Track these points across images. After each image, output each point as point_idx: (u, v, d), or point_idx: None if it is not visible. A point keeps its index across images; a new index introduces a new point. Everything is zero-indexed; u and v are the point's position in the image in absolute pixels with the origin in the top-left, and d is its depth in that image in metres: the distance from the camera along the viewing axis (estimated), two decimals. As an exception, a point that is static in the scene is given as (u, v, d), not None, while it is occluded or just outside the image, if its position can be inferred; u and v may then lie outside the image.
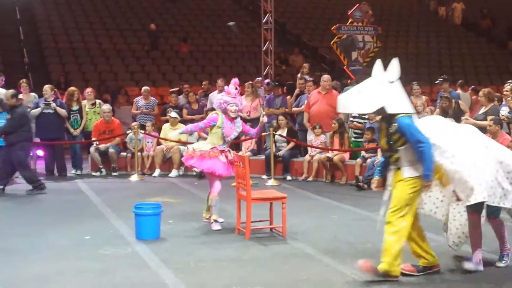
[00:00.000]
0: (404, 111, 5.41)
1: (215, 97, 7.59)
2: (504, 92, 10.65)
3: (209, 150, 7.41)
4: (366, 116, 11.53)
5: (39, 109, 11.63)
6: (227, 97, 7.55)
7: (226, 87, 7.76)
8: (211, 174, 7.42)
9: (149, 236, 6.81)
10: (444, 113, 10.79)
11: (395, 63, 5.53)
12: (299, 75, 14.42)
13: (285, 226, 7.00)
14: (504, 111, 10.26)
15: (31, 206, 8.99)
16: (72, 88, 12.71)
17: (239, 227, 7.15)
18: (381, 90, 5.43)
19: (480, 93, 10.43)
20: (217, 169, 7.36)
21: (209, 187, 7.55)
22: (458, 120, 10.54)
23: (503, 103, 10.60)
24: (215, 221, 7.45)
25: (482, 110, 10.27)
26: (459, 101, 11.24)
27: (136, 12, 22.97)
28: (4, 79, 12.38)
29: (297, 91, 12.99)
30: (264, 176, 11.55)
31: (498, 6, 26.20)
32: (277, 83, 13.39)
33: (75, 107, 12.28)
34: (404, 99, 5.50)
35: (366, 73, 16.91)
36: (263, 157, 12.04)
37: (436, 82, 11.89)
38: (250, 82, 13.52)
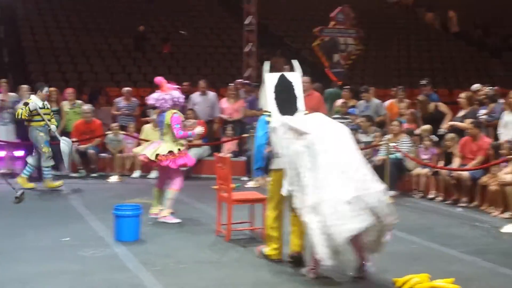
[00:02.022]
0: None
1: (172, 96, 7.67)
2: (483, 96, 10.79)
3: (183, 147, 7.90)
4: (348, 116, 11.60)
5: (19, 105, 11.47)
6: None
7: (168, 84, 8.00)
8: (179, 168, 7.83)
9: (129, 238, 6.78)
10: (424, 115, 10.89)
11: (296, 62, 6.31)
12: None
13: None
14: (482, 114, 10.36)
15: (9, 207, 8.89)
16: (51, 88, 12.60)
17: (219, 229, 7.15)
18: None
19: (461, 95, 10.53)
20: (188, 162, 8.02)
21: (170, 182, 7.87)
22: (438, 122, 10.62)
23: (483, 106, 10.72)
24: (172, 213, 7.74)
25: (461, 113, 10.37)
26: (440, 103, 11.33)
27: (117, 12, 22.86)
28: None
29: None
30: (245, 178, 11.56)
31: (492, 15, 26.31)
32: (257, 84, 13.38)
33: (54, 107, 12.17)
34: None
35: (347, 75, 17.07)
36: (244, 158, 12.05)
37: (422, 83, 11.95)
38: (234, 84, 13.53)
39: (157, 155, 7.74)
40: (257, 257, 6.20)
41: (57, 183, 10.44)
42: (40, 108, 10.27)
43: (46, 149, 10.27)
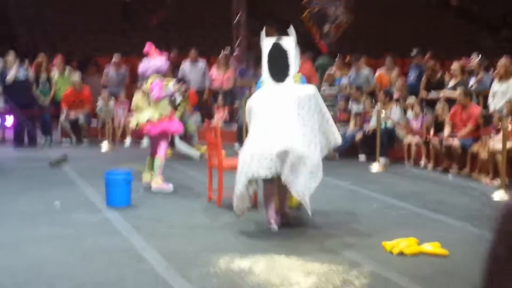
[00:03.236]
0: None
1: (155, 63, 7.71)
2: (472, 65, 10.80)
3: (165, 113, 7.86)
4: (335, 85, 11.64)
5: (13, 72, 11.40)
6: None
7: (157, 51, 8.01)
8: (165, 134, 7.78)
9: (120, 203, 6.80)
10: (429, 81, 10.84)
11: (292, 29, 6.35)
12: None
13: (256, 194, 7.03)
14: (472, 82, 10.37)
15: (1, 173, 8.89)
16: (41, 57, 12.51)
17: (210, 195, 7.17)
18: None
19: (454, 66, 10.52)
20: (172, 128, 7.96)
21: (157, 149, 7.81)
22: (439, 89, 10.61)
23: (473, 75, 10.74)
24: (164, 180, 7.77)
25: (452, 82, 10.38)
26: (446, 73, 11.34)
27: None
28: None
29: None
30: (236, 145, 11.57)
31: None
32: (250, 55, 13.34)
33: (44, 76, 12.10)
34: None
35: (338, 45, 17.00)
36: (235, 127, 12.05)
37: (412, 54, 11.93)
38: (224, 53, 13.46)
39: (137, 124, 7.78)
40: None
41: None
42: None
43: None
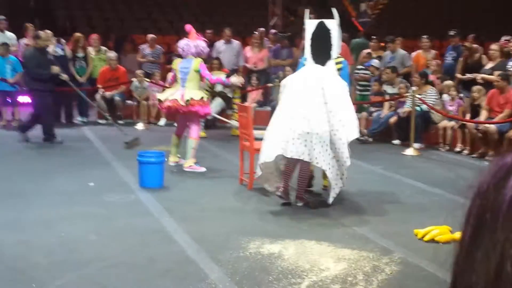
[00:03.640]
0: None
1: (198, 45, 7.83)
2: (510, 47, 10.54)
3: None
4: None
5: (51, 47, 11.51)
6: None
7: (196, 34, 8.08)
8: (197, 115, 7.85)
9: (153, 184, 6.86)
10: (466, 64, 10.62)
11: (335, 12, 6.66)
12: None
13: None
14: (511, 66, 10.14)
15: (37, 152, 9.05)
16: (78, 34, 12.62)
17: (242, 178, 7.19)
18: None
19: (494, 47, 10.27)
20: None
21: (189, 130, 7.90)
22: (476, 71, 10.39)
23: (511, 58, 10.49)
24: (196, 162, 7.83)
25: (490, 64, 10.15)
26: (484, 55, 11.13)
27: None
28: (7, 23, 12.25)
29: (303, 42, 12.85)
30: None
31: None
32: (286, 35, 13.23)
33: (80, 54, 12.22)
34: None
35: (374, 25, 16.78)
36: (268, 108, 12.01)
37: (451, 34, 11.67)
38: (259, 32, 13.39)
39: (188, 100, 7.65)
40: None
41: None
42: None
43: None
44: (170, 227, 5.50)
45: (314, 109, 5.91)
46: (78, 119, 12.14)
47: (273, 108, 11.41)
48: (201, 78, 7.94)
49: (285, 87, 6.25)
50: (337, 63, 6.46)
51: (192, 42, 7.91)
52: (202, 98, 7.76)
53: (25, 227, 5.43)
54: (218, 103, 11.82)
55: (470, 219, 0.72)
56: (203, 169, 7.78)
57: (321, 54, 6.39)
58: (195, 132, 7.85)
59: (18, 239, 5.10)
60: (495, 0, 24.09)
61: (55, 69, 9.72)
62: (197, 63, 7.80)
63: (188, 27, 8.13)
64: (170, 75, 8.75)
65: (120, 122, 12.08)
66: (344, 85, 6.24)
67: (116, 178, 7.42)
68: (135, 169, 7.19)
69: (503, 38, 11.30)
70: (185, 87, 7.80)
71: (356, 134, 6.30)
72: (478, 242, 0.69)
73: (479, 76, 10.08)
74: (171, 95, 7.87)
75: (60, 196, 6.49)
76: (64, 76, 10.05)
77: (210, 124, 11.74)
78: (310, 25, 6.54)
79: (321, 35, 6.46)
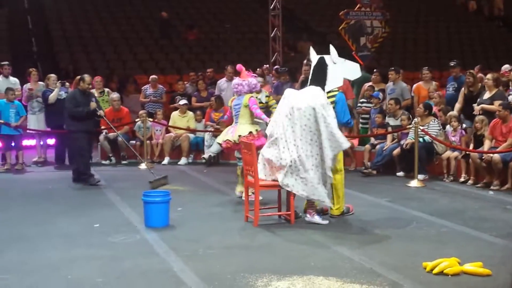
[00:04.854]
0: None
1: (249, 82, 8.26)
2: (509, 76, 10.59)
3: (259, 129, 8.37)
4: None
5: (56, 90, 11.63)
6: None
7: (246, 72, 8.51)
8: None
9: (158, 224, 6.84)
10: (469, 92, 10.63)
11: (332, 48, 7.16)
12: (305, 61, 14.36)
13: (293, 213, 7.00)
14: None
15: (41, 194, 9.04)
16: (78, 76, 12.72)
17: (247, 214, 7.17)
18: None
19: (489, 77, 10.32)
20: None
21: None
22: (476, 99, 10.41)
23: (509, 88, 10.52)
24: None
25: (487, 94, 10.16)
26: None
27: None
28: (11, 68, 12.38)
29: (302, 77, 12.92)
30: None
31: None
32: (286, 69, 13.30)
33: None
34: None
35: (374, 58, 16.89)
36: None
37: (451, 64, 11.74)
38: (261, 69, 13.50)
39: (239, 136, 8.07)
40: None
41: None
42: None
43: None
44: (176, 267, 5.46)
45: (292, 137, 6.79)
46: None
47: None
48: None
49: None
50: (329, 97, 6.93)
51: (243, 80, 8.33)
52: (250, 132, 8.10)
53: (31, 270, 5.40)
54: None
55: None
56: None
57: (317, 84, 7.00)
58: None
59: (24, 283, 5.07)
60: (493, 30, 24.31)
61: (93, 105, 9.82)
62: (246, 98, 8.22)
63: (239, 66, 8.67)
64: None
65: (124, 162, 12.11)
66: (321, 99, 6.78)
67: (121, 218, 7.40)
68: (139, 209, 7.17)
69: (505, 67, 11.35)
70: (237, 123, 8.28)
71: (345, 145, 6.86)
72: None
73: (478, 107, 10.07)
74: (225, 136, 8.40)
75: (65, 239, 6.46)
76: (101, 112, 10.13)
77: (214, 162, 11.76)
78: (314, 58, 7.18)
79: (318, 69, 7.08)
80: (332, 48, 7.17)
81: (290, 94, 7.05)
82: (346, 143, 6.87)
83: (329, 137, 6.69)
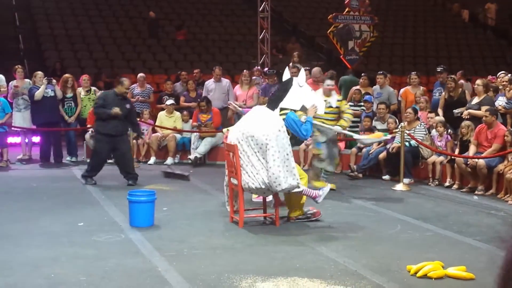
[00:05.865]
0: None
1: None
2: (503, 83, 10.66)
3: None
4: (362, 103, 11.59)
5: (42, 88, 11.53)
6: None
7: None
8: None
9: (143, 223, 6.81)
10: (450, 97, 10.71)
11: (302, 72, 7.41)
12: (290, 64, 14.39)
13: (278, 215, 7.00)
14: (501, 101, 10.26)
15: (25, 193, 8.98)
16: (67, 75, 12.67)
17: (232, 216, 7.15)
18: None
19: (478, 82, 10.39)
20: None
21: None
22: (462, 106, 10.50)
23: (500, 93, 10.61)
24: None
25: (476, 100, 10.24)
26: (466, 91, 11.27)
27: (132, -1, 22.87)
28: None
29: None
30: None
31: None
32: (274, 71, 13.30)
33: (69, 94, 12.23)
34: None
35: (362, 62, 16.97)
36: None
37: (438, 70, 11.81)
38: (249, 71, 13.49)
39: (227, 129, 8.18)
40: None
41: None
42: None
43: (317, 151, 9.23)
44: (161, 267, 5.44)
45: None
46: (67, 159, 12.09)
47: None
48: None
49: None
50: (281, 114, 7.02)
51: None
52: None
53: (13, 269, 5.36)
54: (207, 141, 11.86)
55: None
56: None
57: (274, 101, 7.14)
58: None
59: (6, 281, 5.02)
60: (480, 36, 24.48)
61: (115, 109, 9.48)
62: None
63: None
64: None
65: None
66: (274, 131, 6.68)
67: (106, 217, 7.36)
68: (124, 208, 7.14)
69: (499, 74, 11.38)
70: None
71: (281, 186, 6.65)
72: None
73: (466, 112, 10.15)
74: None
75: (48, 237, 6.42)
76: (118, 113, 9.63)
77: (200, 163, 11.75)
78: (286, 76, 7.38)
79: (283, 86, 7.29)
80: (302, 72, 7.42)
81: (245, 118, 7.10)
82: (284, 184, 6.56)
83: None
